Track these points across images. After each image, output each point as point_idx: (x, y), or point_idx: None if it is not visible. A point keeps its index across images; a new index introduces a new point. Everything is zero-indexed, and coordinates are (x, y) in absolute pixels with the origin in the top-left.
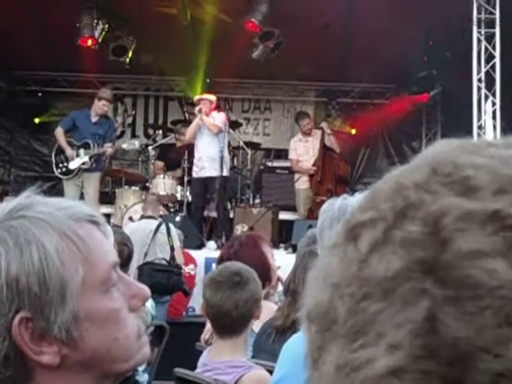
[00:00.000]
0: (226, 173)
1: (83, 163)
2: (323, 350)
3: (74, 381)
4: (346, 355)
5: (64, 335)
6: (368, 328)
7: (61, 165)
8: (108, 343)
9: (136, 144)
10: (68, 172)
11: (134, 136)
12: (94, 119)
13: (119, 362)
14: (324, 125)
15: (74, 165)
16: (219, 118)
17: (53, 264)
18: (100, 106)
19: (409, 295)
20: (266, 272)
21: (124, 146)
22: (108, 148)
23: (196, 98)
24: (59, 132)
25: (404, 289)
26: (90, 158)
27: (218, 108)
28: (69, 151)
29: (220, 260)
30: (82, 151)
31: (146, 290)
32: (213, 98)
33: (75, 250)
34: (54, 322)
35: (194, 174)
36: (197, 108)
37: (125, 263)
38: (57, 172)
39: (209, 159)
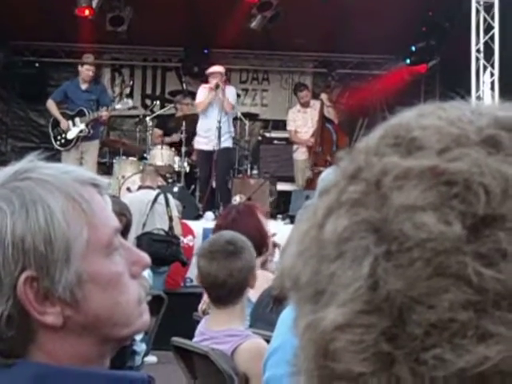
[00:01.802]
0: (231, 145)
1: (81, 131)
2: (298, 314)
3: (75, 344)
4: (308, 317)
5: (68, 295)
6: (325, 289)
7: (59, 137)
8: (110, 306)
9: (130, 103)
10: (67, 143)
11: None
12: (83, 86)
13: (120, 326)
14: (324, 96)
15: (71, 134)
16: (232, 95)
17: (58, 224)
18: (85, 72)
19: (356, 254)
20: (263, 239)
21: (118, 106)
22: (103, 112)
23: (208, 71)
24: (51, 104)
25: (352, 248)
26: (87, 125)
27: (227, 80)
28: (63, 123)
29: (217, 229)
30: (77, 119)
31: (147, 257)
32: (223, 69)
33: (80, 212)
34: (58, 282)
35: (202, 146)
36: (213, 82)
37: (123, 233)
38: (56, 145)
39: (218, 132)
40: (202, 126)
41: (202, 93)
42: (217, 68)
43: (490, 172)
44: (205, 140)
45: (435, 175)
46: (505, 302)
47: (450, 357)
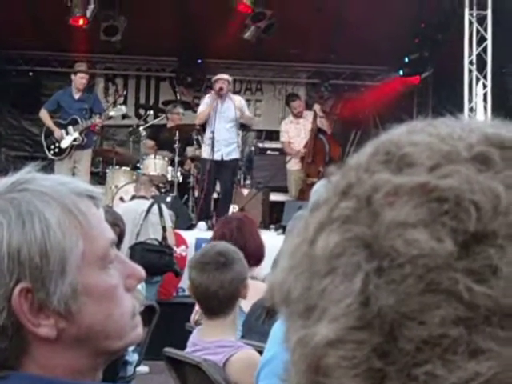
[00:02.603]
0: (239, 156)
1: (74, 139)
2: (289, 329)
3: (68, 356)
4: (299, 332)
5: (62, 308)
6: (316, 305)
7: (52, 146)
8: (103, 319)
9: (123, 109)
10: (61, 152)
11: (125, 117)
12: (76, 96)
13: (113, 339)
14: (317, 107)
15: (65, 143)
16: (245, 105)
17: (54, 236)
18: (78, 80)
19: (347, 270)
20: (260, 253)
21: (111, 113)
22: (97, 119)
23: (215, 77)
24: (43, 113)
25: (343, 264)
26: (80, 133)
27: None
28: (57, 132)
29: (219, 237)
30: (70, 128)
31: (141, 270)
32: (230, 78)
33: (76, 224)
34: (53, 294)
35: (210, 156)
36: (217, 87)
37: (117, 243)
38: (49, 154)
39: (226, 143)
40: (211, 135)
41: (205, 102)
42: (224, 75)
43: (481, 189)
44: (210, 150)
45: (426, 192)
46: (495, 318)
47: (442, 373)
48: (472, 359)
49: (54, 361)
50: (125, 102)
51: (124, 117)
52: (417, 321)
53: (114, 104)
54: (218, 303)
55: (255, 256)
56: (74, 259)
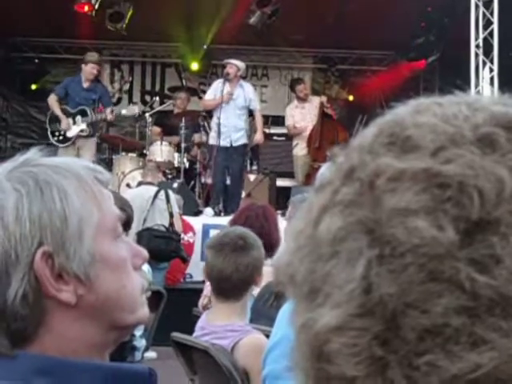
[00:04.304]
0: (247, 141)
1: (81, 130)
2: (295, 311)
3: (84, 327)
4: (304, 315)
5: (82, 272)
6: (320, 288)
7: (57, 133)
8: (118, 288)
9: (136, 109)
10: (65, 140)
11: (131, 102)
12: (85, 85)
13: (126, 311)
14: (323, 99)
15: (71, 133)
16: (254, 95)
17: (72, 203)
18: (89, 70)
19: (350, 255)
20: (278, 244)
21: (124, 111)
22: (108, 114)
23: (225, 61)
24: (53, 99)
25: (346, 249)
26: (88, 126)
27: (241, 77)
28: (64, 122)
29: (240, 220)
30: (79, 118)
31: (145, 251)
32: (241, 65)
33: (91, 195)
34: (72, 259)
35: (219, 142)
36: (225, 72)
37: (124, 228)
38: (53, 140)
39: (235, 129)
40: (215, 120)
41: (212, 88)
42: (233, 60)
43: (485, 174)
44: (221, 136)
45: (429, 178)
46: (498, 308)
47: (443, 363)
48: (473, 350)
49: (70, 332)
50: (130, 89)
51: (130, 103)
52: (419, 310)
53: (120, 91)
54: (231, 286)
55: (274, 245)
56: (90, 227)
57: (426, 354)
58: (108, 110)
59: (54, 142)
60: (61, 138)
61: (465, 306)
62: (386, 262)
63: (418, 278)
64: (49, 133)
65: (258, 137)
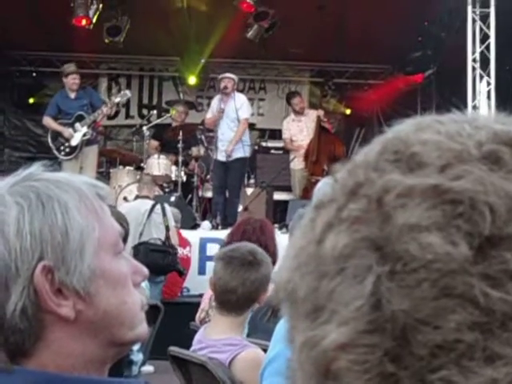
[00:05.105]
0: (245, 154)
1: (84, 134)
2: (294, 328)
3: (83, 342)
4: (307, 333)
5: (82, 288)
6: (325, 306)
7: (62, 147)
8: (119, 304)
9: (127, 93)
10: (72, 150)
11: (128, 115)
12: (72, 96)
13: (126, 327)
14: (320, 112)
15: (75, 141)
16: (243, 103)
17: (74, 218)
18: (71, 81)
19: (357, 272)
20: (277, 257)
21: (117, 99)
22: (104, 109)
23: (220, 76)
24: (47, 120)
25: (352, 266)
26: (89, 127)
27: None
28: (65, 132)
29: (238, 236)
30: (77, 125)
31: (145, 268)
32: (236, 78)
33: (92, 210)
34: (73, 274)
35: (215, 155)
36: (221, 85)
37: None
38: (61, 155)
39: (230, 143)
40: (217, 135)
41: (212, 106)
42: (229, 74)
43: (495, 190)
44: (218, 151)
45: (439, 194)
46: None
47: (458, 379)
48: (488, 365)
49: (69, 347)
50: (128, 102)
51: (127, 117)
52: (431, 326)
53: (117, 105)
54: (235, 300)
55: (273, 258)
56: (91, 242)
57: (440, 369)
58: (102, 106)
59: (62, 157)
60: (67, 150)
61: (478, 322)
62: (398, 278)
63: (431, 294)
64: (55, 151)
65: (229, 147)
